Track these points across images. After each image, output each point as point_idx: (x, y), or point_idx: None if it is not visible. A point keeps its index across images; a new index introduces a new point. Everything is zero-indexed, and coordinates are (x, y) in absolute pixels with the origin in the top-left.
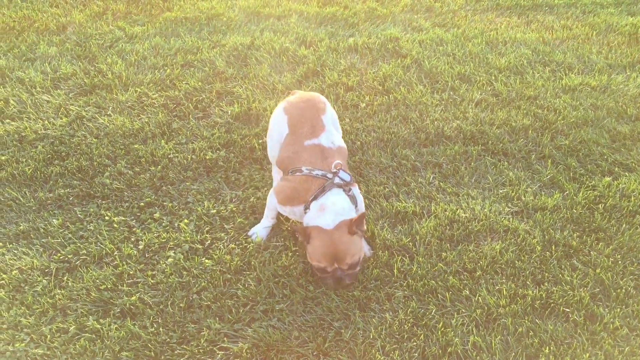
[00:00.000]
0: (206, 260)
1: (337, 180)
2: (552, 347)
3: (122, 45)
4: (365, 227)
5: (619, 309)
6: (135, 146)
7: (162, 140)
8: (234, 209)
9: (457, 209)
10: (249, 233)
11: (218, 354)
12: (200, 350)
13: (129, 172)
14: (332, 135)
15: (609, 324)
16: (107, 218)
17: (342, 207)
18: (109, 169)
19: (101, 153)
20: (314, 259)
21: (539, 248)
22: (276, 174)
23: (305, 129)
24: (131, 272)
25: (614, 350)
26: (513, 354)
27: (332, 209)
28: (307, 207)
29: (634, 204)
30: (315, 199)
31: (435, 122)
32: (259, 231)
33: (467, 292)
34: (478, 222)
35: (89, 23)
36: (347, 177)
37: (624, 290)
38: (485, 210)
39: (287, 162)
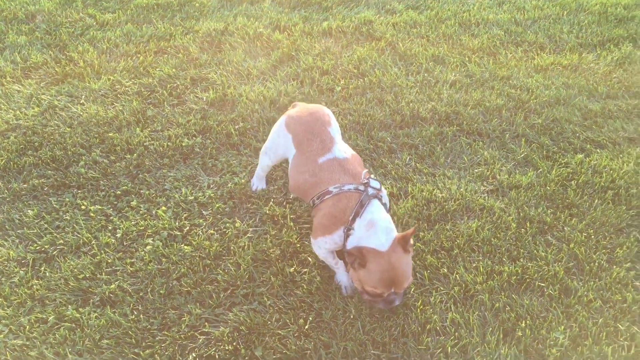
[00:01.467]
0: (185, 247)
1: (370, 191)
2: (528, 321)
3: (93, 33)
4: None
5: (592, 282)
6: (110, 134)
7: (137, 128)
8: (212, 194)
9: (433, 189)
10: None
11: (199, 338)
12: (182, 336)
13: (104, 161)
14: (342, 146)
15: (583, 297)
16: (83, 207)
17: (388, 221)
18: (83, 158)
19: (75, 142)
20: (369, 285)
21: (514, 225)
22: (265, 157)
23: (314, 145)
24: (109, 261)
25: (588, 322)
26: (490, 328)
27: (382, 226)
28: (349, 228)
29: (606, 179)
30: (357, 216)
31: (411, 104)
32: (341, 280)
33: (445, 270)
34: (454, 202)
35: (58, 11)
36: (377, 185)
37: (597, 264)
38: (461, 189)
39: (306, 188)
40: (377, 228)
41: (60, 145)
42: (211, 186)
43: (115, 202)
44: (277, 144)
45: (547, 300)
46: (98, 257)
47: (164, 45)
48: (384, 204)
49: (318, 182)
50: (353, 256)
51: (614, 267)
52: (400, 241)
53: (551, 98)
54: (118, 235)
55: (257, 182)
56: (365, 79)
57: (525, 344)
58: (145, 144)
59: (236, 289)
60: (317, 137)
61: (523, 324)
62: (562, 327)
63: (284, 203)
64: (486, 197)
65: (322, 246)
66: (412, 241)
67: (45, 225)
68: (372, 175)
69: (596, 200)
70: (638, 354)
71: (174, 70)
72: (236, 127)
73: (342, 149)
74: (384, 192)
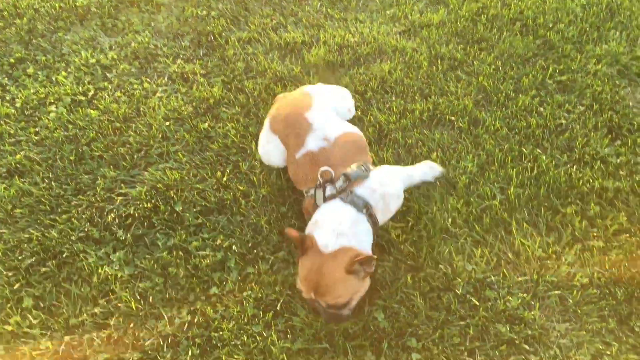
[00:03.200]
0: (92, 111)
1: (330, 191)
2: (439, 153)
3: None
4: (372, 268)
5: (499, 112)
6: None
7: None
8: (115, 56)
9: (345, 34)
10: None
11: (116, 199)
12: (98, 199)
13: None
14: (326, 130)
15: (490, 126)
16: None
17: (340, 221)
18: None
19: None
20: (298, 276)
21: (426, 64)
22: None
23: (292, 140)
24: (12, 132)
25: (495, 149)
26: (403, 163)
27: (329, 226)
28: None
29: (514, 11)
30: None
31: None
32: None
33: (359, 113)
34: (367, 45)
35: None
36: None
37: (504, 94)
38: (374, 32)
39: (297, 184)
40: (321, 226)
41: None
42: (113, 47)
43: (10, 71)
44: (268, 151)
45: (457, 132)
46: None
47: None
48: (352, 202)
49: (298, 180)
50: (298, 243)
51: (520, 95)
52: (350, 257)
53: None
54: (17, 104)
55: None
56: None
57: None
58: (34, 6)
59: (150, 149)
60: (293, 130)
61: (434, 155)
62: (471, 155)
63: (194, 59)
64: (398, 38)
65: None
66: (372, 268)
67: None
68: (363, 167)
69: (505, 33)
70: (540, 174)
71: None
72: None
73: (322, 135)
74: (364, 187)
